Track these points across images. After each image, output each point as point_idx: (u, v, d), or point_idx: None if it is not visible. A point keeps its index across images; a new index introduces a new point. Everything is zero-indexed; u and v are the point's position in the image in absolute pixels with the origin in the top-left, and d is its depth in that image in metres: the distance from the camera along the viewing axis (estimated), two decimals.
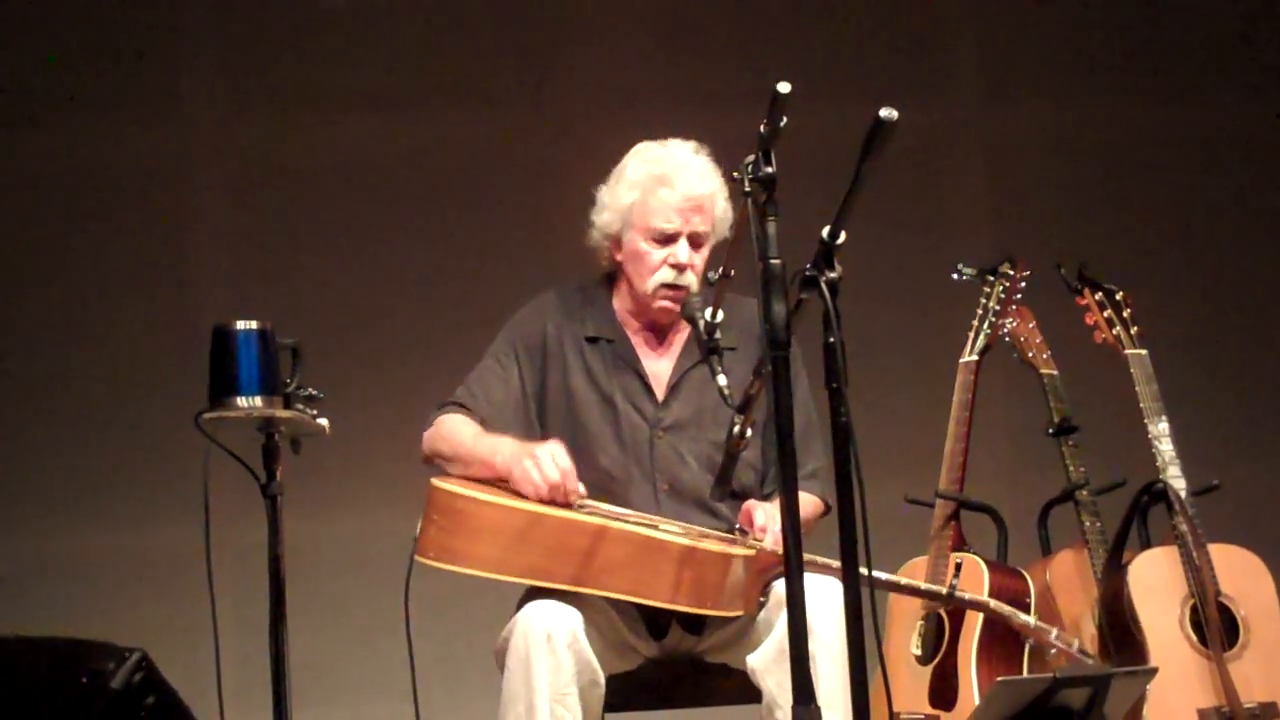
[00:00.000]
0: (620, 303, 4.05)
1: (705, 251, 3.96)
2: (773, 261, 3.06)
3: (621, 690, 3.84)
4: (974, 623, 4.30)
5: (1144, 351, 4.50)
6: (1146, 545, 4.41)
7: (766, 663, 3.75)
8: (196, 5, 5.87)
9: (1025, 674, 4.24)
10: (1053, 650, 4.07)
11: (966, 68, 6.11)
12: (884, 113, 2.97)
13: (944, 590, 4.07)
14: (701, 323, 3.59)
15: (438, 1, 5.96)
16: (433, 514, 3.72)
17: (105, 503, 5.64)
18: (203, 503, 3.59)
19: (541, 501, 3.73)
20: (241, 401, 3.58)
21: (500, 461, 3.80)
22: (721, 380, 3.54)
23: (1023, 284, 4.56)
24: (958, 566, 4.30)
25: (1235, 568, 4.32)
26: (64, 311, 5.74)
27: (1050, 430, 4.54)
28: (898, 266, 5.82)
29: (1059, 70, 6.11)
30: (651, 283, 3.95)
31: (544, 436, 3.92)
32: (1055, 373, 4.57)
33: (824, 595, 3.54)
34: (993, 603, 4.09)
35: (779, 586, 3.61)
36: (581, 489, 3.78)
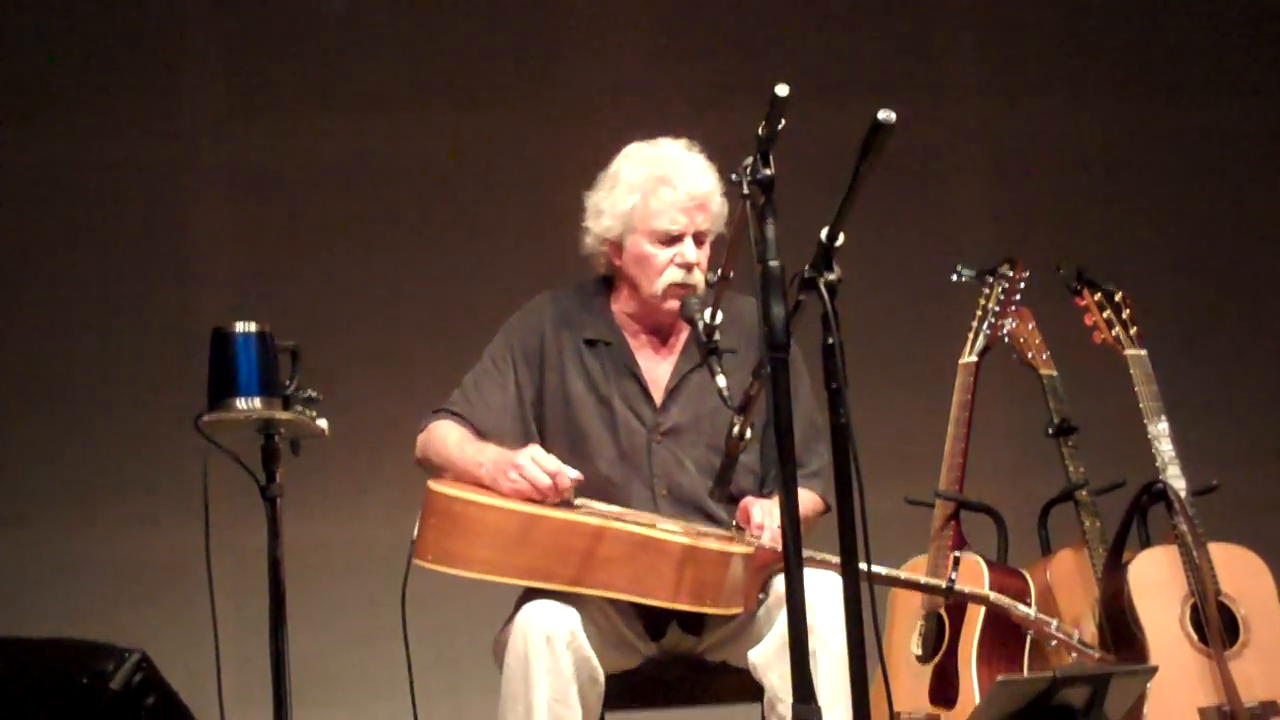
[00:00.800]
0: (619, 306, 4.04)
1: (707, 248, 3.96)
2: (771, 264, 3.06)
3: (621, 688, 3.84)
4: (974, 621, 4.30)
5: (1143, 352, 4.50)
6: (1146, 545, 4.41)
7: (768, 658, 3.74)
8: (197, 6, 5.87)
9: (1025, 673, 4.25)
10: (1053, 642, 4.07)
11: (965, 69, 6.11)
12: (882, 114, 2.96)
13: (943, 584, 4.08)
14: (700, 324, 3.59)
15: (437, 3, 5.96)
16: (430, 517, 3.72)
17: (105, 504, 5.64)
18: (203, 504, 3.60)
19: (546, 498, 3.74)
20: (241, 403, 3.59)
21: (484, 473, 3.80)
22: (721, 381, 3.54)
23: (1022, 285, 4.56)
24: (956, 560, 4.30)
25: (1235, 567, 4.32)
26: (63, 313, 5.74)
27: (1050, 431, 4.54)
28: (897, 268, 5.81)
29: (1058, 71, 6.11)
30: (660, 284, 3.93)
31: (542, 441, 3.92)
32: (1055, 373, 4.58)
33: (824, 591, 3.54)
34: (993, 595, 4.09)
35: (779, 583, 3.61)
36: (574, 474, 3.77)
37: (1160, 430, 4.40)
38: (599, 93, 5.91)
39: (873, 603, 3.10)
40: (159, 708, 3.18)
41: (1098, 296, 4.57)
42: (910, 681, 4.38)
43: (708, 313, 3.60)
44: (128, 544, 5.64)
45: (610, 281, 4.06)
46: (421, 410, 4.02)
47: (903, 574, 4.18)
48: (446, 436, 3.91)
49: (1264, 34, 6.15)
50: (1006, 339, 4.55)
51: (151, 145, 5.81)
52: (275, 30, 5.88)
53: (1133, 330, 4.53)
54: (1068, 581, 4.45)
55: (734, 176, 3.12)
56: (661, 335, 4.03)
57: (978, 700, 4.20)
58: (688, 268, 3.91)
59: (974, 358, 4.52)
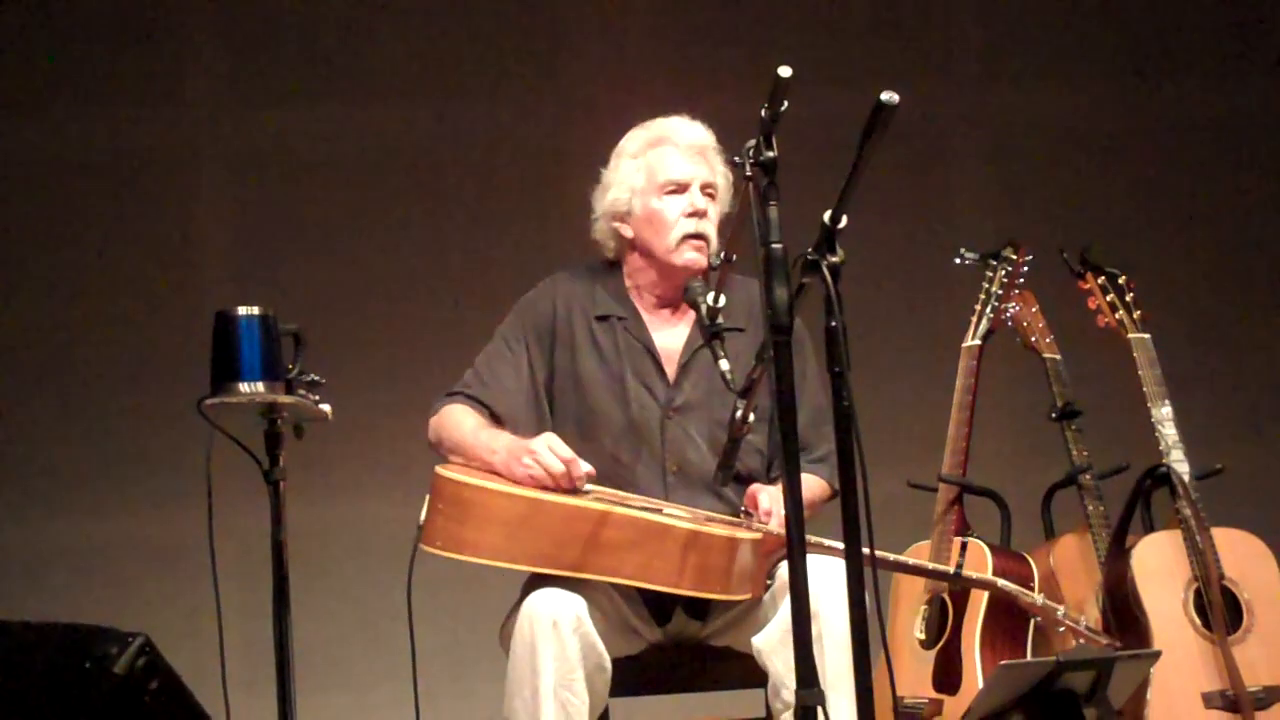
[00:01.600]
0: (631, 280, 4.05)
1: (716, 209, 3.97)
2: (774, 246, 3.06)
3: (626, 674, 3.84)
4: (977, 606, 4.30)
5: (1147, 335, 4.49)
6: (1150, 529, 4.41)
7: (773, 643, 3.74)
8: None
9: (1029, 658, 4.25)
10: (1060, 628, 4.07)
11: (968, 51, 6.10)
12: (885, 96, 2.96)
13: (950, 570, 4.07)
14: (704, 307, 3.59)
15: None
16: (438, 503, 3.72)
17: (108, 488, 5.65)
18: (205, 488, 3.59)
19: (558, 487, 3.74)
20: (244, 387, 3.58)
21: (499, 461, 3.80)
22: (724, 365, 3.53)
23: (1025, 268, 4.55)
24: (963, 546, 4.30)
25: (1239, 551, 4.32)
26: (67, 298, 5.74)
27: (1053, 414, 4.54)
28: (900, 250, 5.81)
29: (1061, 53, 6.10)
30: (673, 237, 3.94)
31: (553, 417, 3.94)
32: (1058, 357, 4.57)
33: (829, 578, 3.53)
34: (999, 581, 4.09)
35: (784, 569, 3.61)
36: (587, 467, 3.78)
37: (1164, 414, 4.40)
38: (602, 80, 5.90)
39: (875, 588, 3.10)
40: (162, 692, 3.18)
41: (1101, 280, 4.56)
42: (913, 666, 4.38)
43: (710, 295, 3.59)
44: (131, 528, 5.65)
45: (619, 263, 4.07)
46: (425, 395, 4.02)
47: (910, 560, 4.18)
48: (462, 421, 3.91)
49: (1267, 17, 6.14)
50: (1010, 322, 4.54)
51: (155, 130, 5.81)
52: (278, 16, 5.88)
53: (1136, 314, 4.52)
54: (1071, 566, 4.44)
55: (737, 159, 3.12)
56: (673, 309, 4.02)
57: (981, 685, 4.19)
58: (698, 215, 3.93)
59: (977, 341, 4.52)
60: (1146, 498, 4.42)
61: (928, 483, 4.51)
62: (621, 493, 3.83)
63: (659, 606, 3.90)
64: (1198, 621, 4.24)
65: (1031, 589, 4.26)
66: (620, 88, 5.84)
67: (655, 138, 4.00)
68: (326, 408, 3.70)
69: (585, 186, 4.08)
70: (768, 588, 3.81)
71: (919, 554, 4.40)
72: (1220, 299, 6.04)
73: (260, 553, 3.70)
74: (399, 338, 5.74)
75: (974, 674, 4.27)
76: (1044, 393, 4.56)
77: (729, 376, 3.51)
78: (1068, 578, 4.43)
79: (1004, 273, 4.54)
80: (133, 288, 5.75)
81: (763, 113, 3.08)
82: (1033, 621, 4.27)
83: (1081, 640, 4.04)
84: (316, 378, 3.68)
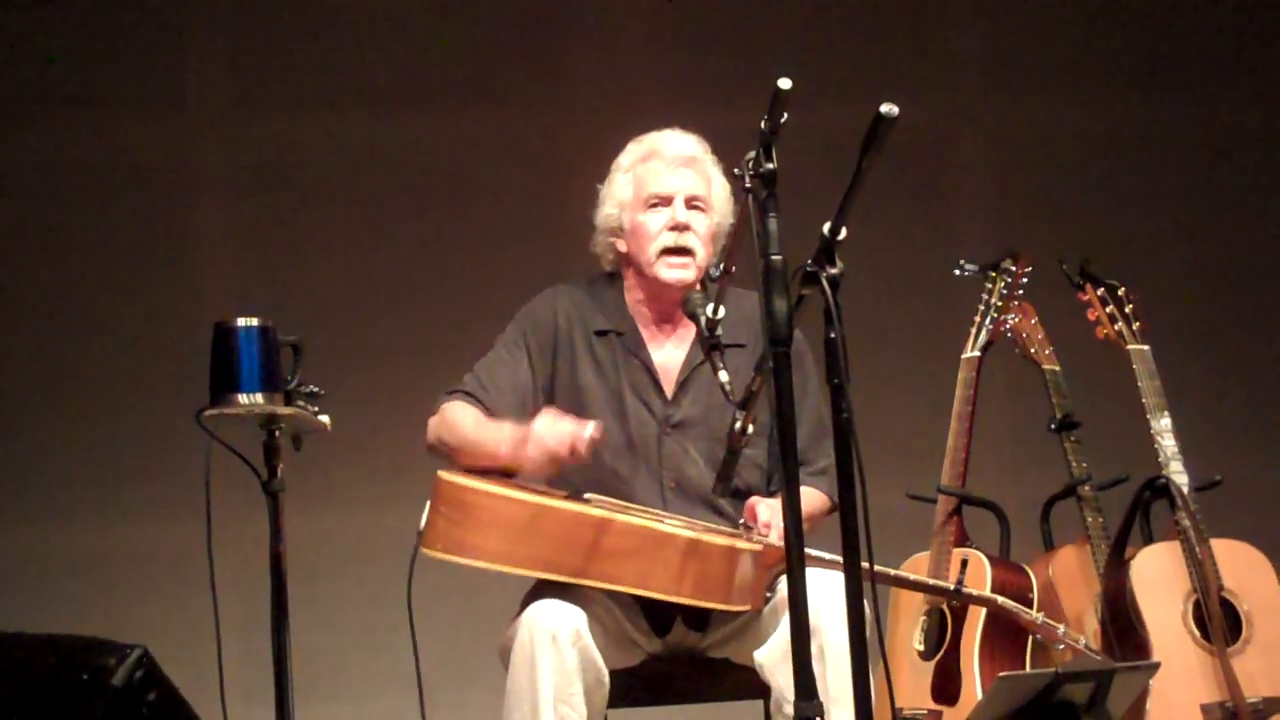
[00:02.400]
0: (630, 295, 4.05)
1: (707, 221, 3.95)
2: (774, 258, 3.06)
3: (624, 686, 3.83)
4: (977, 618, 4.30)
5: (1146, 347, 4.49)
6: (1149, 541, 4.41)
7: (775, 659, 3.74)
8: (202, 1, 5.87)
9: (1028, 669, 4.24)
10: (1060, 646, 4.06)
11: (968, 63, 6.11)
12: (885, 109, 2.96)
13: (951, 586, 4.07)
14: (703, 319, 3.59)
15: None
16: (440, 506, 3.71)
17: (106, 499, 5.64)
18: (204, 499, 3.59)
19: (569, 459, 3.73)
20: (243, 398, 3.58)
21: (504, 451, 3.79)
22: (724, 376, 3.53)
23: (1024, 279, 4.55)
24: (964, 563, 4.29)
25: (1238, 563, 4.32)
26: (66, 307, 5.74)
27: (1052, 426, 4.54)
28: (899, 262, 5.81)
29: (1060, 65, 6.11)
30: (653, 250, 3.94)
31: None
32: (1057, 368, 4.57)
33: (830, 591, 3.52)
34: (1001, 599, 4.09)
35: (785, 583, 3.61)
36: (591, 429, 3.75)
37: (1163, 425, 4.40)
38: (602, 89, 5.91)
39: (874, 600, 3.09)
40: (160, 704, 3.18)
41: (1100, 291, 4.57)
42: (913, 678, 4.38)
43: (709, 307, 3.59)
44: (129, 539, 5.64)
45: (619, 276, 4.07)
46: (423, 406, 4.01)
47: (911, 575, 4.18)
48: (462, 419, 3.90)
49: (1266, 29, 6.15)
50: (1009, 334, 4.55)
51: (155, 139, 5.81)
52: (280, 24, 5.88)
53: (1135, 325, 4.52)
54: (1070, 578, 4.44)
55: (736, 170, 3.12)
56: (673, 325, 4.02)
57: (980, 697, 4.19)
58: (678, 229, 3.92)
59: (976, 353, 4.52)
60: (1145, 509, 4.42)
61: (927, 494, 4.51)
62: (622, 502, 3.83)
63: (658, 618, 3.90)
64: (1197, 633, 4.24)
65: (1030, 600, 4.26)
66: (621, 98, 5.85)
67: (645, 151, 4.00)
68: (325, 419, 3.70)
69: (587, 197, 4.08)
70: (768, 601, 3.81)
71: (918, 565, 4.41)
72: (1219, 310, 6.05)
73: (259, 564, 3.69)
74: (398, 349, 5.74)
75: (973, 685, 4.26)
76: (1043, 404, 4.57)
77: (728, 388, 3.51)
78: (1067, 589, 4.42)
79: (1003, 284, 4.54)
80: (132, 297, 5.75)
81: (762, 124, 3.08)
82: (1032, 633, 4.27)
83: (1080, 658, 4.04)
84: (315, 389, 3.68)
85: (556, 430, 3.75)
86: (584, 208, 4.08)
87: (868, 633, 3.07)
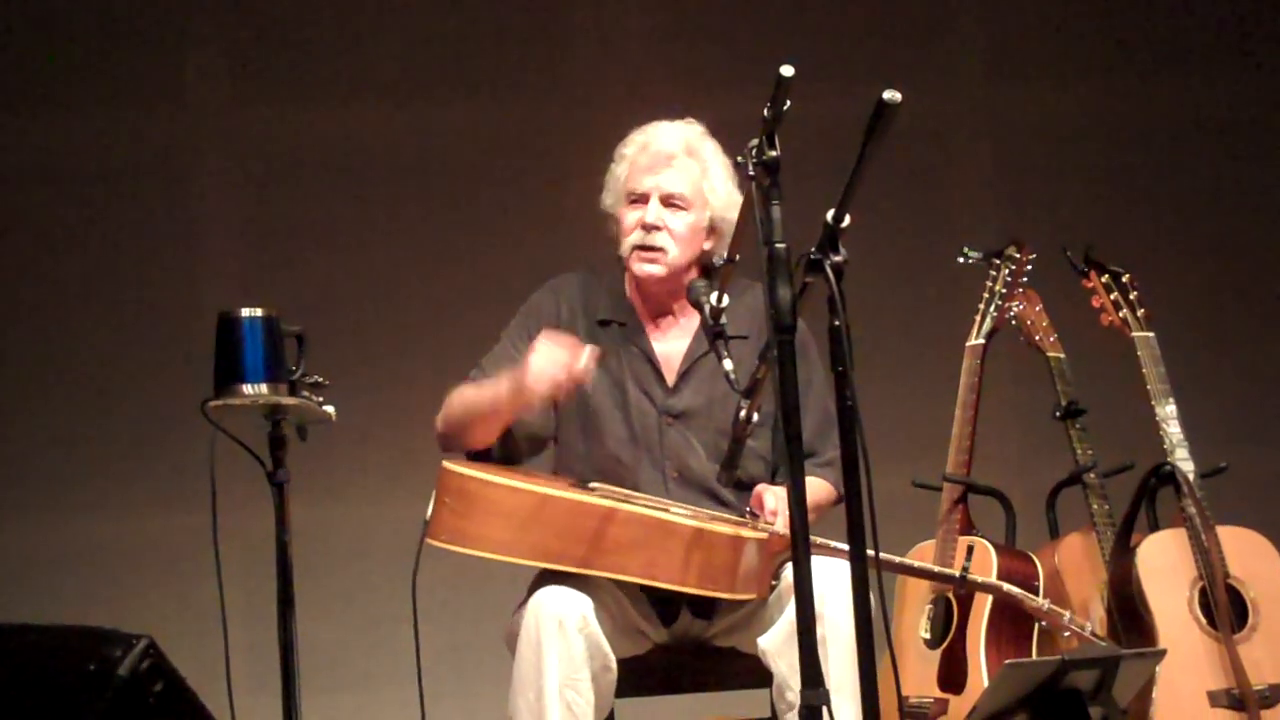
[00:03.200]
0: (631, 285, 4.05)
1: (688, 219, 3.94)
2: (777, 245, 3.05)
3: (630, 675, 3.83)
4: (982, 606, 4.29)
5: (1151, 334, 4.49)
6: (1155, 528, 4.41)
7: (778, 644, 3.74)
8: None
9: (1034, 657, 4.24)
10: (1066, 633, 4.06)
11: (971, 50, 6.10)
12: (888, 95, 2.95)
13: (957, 574, 4.07)
14: (707, 308, 3.58)
15: None
16: (444, 496, 3.70)
17: (112, 490, 5.64)
18: (209, 490, 3.59)
19: (571, 382, 3.71)
20: (247, 389, 3.58)
21: (505, 391, 3.76)
22: (728, 364, 3.53)
23: (1029, 267, 4.54)
24: (969, 550, 4.29)
25: (1244, 550, 4.31)
26: (70, 300, 5.74)
27: (1057, 413, 4.53)
28: (903, 250, 5.81)
29: (1064, 52, 6.10)
30: (625, 247, 3.95)
31: (557, 416, 3.94)
32: (1062, 355, 4.57)
33: (835, 579, 3.53)
34: (1005, 586, 4.08)
35: (790, 570, 3.61)
36: (587, 356, 3.73)
37: (1168, 412, 4.39)
38: (605, 80, 5.91)
39: (880, 588, 3.10)
40: (166, 694, 3.18)
41: (1105, 278, 4.56)
42: (919, 666, 4.38)
43: (714, 296, 3.59)
44: (135, 530, 5.65)
45: (624, 268, 4.06)
46: (428, 396, 4.00)
47: (916, 562, 4.17)
48: (461, 390, 3.88)
49: (1271, 17, 6.14)
50: (1013, 321, 4.54)
51: (158, 131, 5.81)
52: (281, 17, 5.88)
53: (1140, 312, 4.52)
54: (1076, 565, 4.44)
55: (740, 158, 3.12)
56: (674, 315, 4.02)
57: (986, 684, 4.19)
58: (647, 229, 3.91)
59: (981, 340, 4.51)
60: (1151, 496, 4.42)
61: (932, 482, 4.51)
62: (627, 491, 3.83)
63: (664, 607, 3.90)
64: (1203, 620, 4.23)
65: (1036, 588, 4.26)
66: (623, 88, 5.84)
67: (639, 143, 3.99)
68: (330, 409, 3.71)
69: (590, 189, 4.07)
70: (773, 589, 3.81)
71: (923, 553, 4.40)
72: (1224, 297, 6.04)
73: (264, 554, 3.70)
74: (403, 339, 5.74)
75: (979, 673, 4.26)
76: (1048, 392, 4.56)
77: (733, 376, 3.51)
78: (1072, 577, 4.42)
79: (1008, 272, 4.54)
80: (136, 289, 5.75)
81: (765, 112, 3.07)
82: (1038, 620, 4.27)
83: (1087, 645, 4.04)
84: (320, 379, 3.68)
85: (552, 356, 3.73)
86: (587, 197, 4.07)
87: (873, 621, 3.07)
